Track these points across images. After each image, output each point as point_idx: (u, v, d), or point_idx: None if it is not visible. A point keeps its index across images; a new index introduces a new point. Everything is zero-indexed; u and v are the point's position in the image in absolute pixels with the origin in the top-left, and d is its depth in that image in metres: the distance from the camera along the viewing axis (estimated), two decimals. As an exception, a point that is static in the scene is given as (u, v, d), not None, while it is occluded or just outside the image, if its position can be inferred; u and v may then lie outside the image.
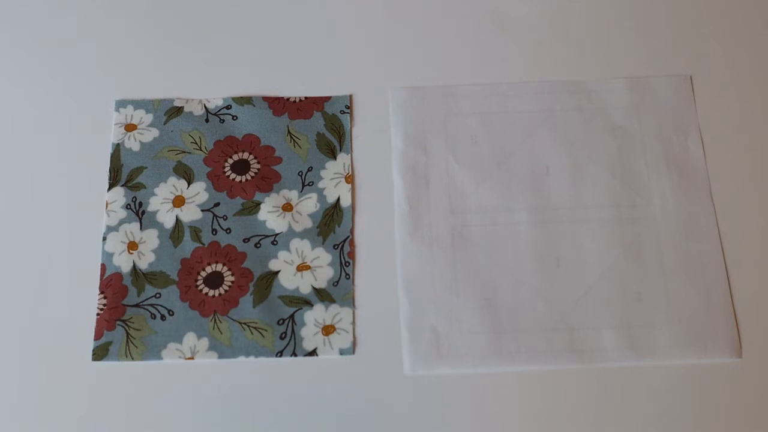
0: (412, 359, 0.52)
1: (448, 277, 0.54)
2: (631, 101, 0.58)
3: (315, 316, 0.53)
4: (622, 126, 0.58)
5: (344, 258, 0.55)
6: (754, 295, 0.53)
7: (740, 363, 0.51)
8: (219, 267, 0.54)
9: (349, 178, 0.57)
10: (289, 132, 0.58)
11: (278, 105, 0.59)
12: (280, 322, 0.53)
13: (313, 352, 0.52)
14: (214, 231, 0.55)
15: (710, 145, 0.57)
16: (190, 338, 0.52)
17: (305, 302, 0.53)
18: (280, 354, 0.52)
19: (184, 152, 0.58)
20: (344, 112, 0.59)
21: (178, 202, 0.56)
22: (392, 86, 0.59)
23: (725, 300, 0.52)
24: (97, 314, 0.53)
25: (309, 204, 0.56)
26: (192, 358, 0.52)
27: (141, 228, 0.55)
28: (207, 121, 0.59)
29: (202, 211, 0.56)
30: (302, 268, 0.54)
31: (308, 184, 0.57)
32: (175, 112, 0.59)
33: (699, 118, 0.58)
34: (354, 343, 0.52)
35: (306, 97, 0.60)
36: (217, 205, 0.56)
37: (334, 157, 0.58)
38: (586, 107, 0.58)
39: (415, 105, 0.59)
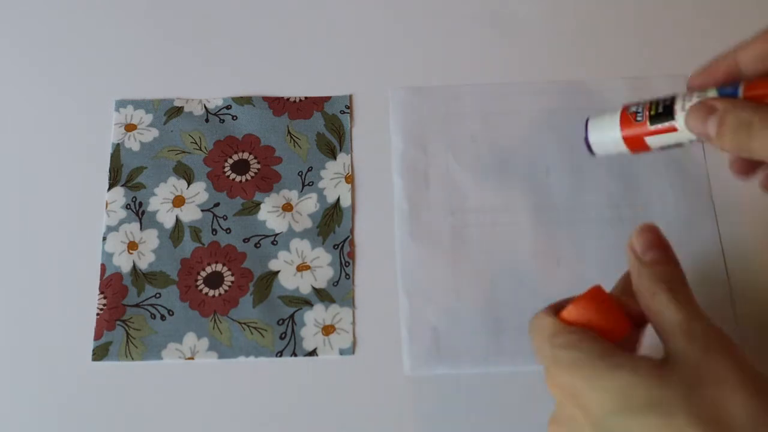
0: (412, 359, 0.52)
1: (448, 277, 0.54)
2: (630, 101, 0.58)
3: (315, 316, 0.53)
4: (622, 126, 0.58)
5: (344, 258, 0.55)
6: (754, 295, 0.53)
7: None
8: (219, 267, 0.54)
9: (349, 178, 0.57)
10: (289, 132, 0.58)
11: (278, 105, 0.59)
12: (280, 322, 0.53)
13: (313, 352, 0.52)
14: (214, 231, 0.55)
15: (711, 146, 0.57)
16: (190, 338, 0.52)
17: (305, 302, 0.53)
18: (280, 354, 0.52)
19: (184, 152, 0.58)
20: (344, 112, 0.59)
21: (178, 202, 0.56)
22: (392, 86, 0.59)
23: (725, 300, 0.52)
24: (97, 314, 0.53)
25: (309, 204, 0.56)
26: (192, 358, 0.52)
27: (141, 228, 0.55)
28: (207, 121, 0.59)
29: (202, 211, 0.56)
30: (302, 268, 0.54)
31: (308, 184, 0.57)
32: (175, 112, 0.59)
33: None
34: (354, 343, 0.52)
35: (306, 97, 0.60)
36: (217, 205, 0.56)
37: (334, 157, 0.58)
38: (586, 107, 0.58)
39: (415, 105, 0.59)
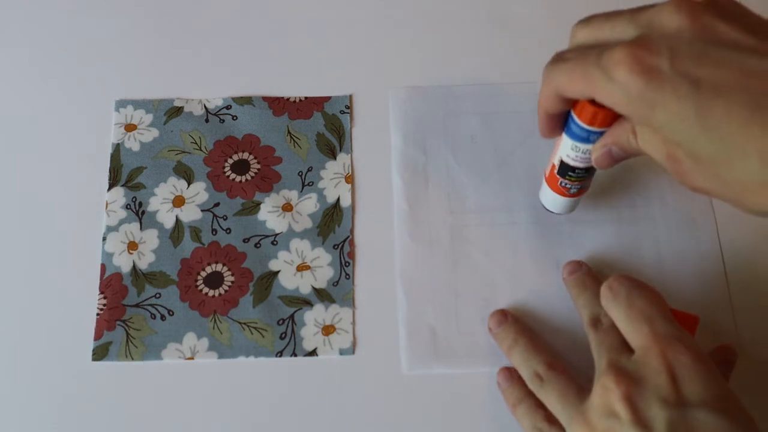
0: (410, 358, 0.52)
1: (447, 277, 0.54)
2: None
3: (315, 316, 0.53)
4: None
5: (344, 258, 0.55)
6: (753, 294, 0.53)
7: (739, 364, 0.51)
8: (219, 267, 0.54)
9: (349, 178, 0.57)
10: (289, 132, 0.58)
11: (278, 105, 0.59)
12: (280, 322, 0.53)
13: (313, 352, 0.52)
14: (214, 231, 0.55)
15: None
16: (190, 338, 0.52)
17: (305, 302, 0.53)
18: (280, 354, 0.52)
19: (184, 152, 0.58)
20: (344, 112, 0.59)
21: (178, 202, 0.56)
22: (392, 86, 0.59)
23: (724, 301, 0.52)
24: (97, 314, 0.53)
25: (309, 204, 0.56)
26: (192, 358, 0.52)
27: (141, 228, 0.55)
28: (207, 121, 0.59)
29: (202, 211, 0.56)
30: (302, 268, 0.54)
31: (308, 184, 0.57)
32: (175, 112, 0.59)
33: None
34: (354, 343, 0.52)
35: (306, 97, 0.60)
36: (217, 205, 0.56)
37: (334, 157, 0.58)
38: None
39: (415, 105, 0.59)
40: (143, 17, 0.63)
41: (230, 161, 0.57)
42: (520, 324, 0.51)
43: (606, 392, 0.40)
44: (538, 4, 0.62)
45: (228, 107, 0.59)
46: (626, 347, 0.42)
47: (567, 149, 0.45)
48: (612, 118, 0.42)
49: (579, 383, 0.45)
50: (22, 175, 0.58)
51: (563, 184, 0.48)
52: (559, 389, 0.45)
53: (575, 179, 0.48)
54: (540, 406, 0.47)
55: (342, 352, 0.52)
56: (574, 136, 0.44)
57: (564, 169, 0.47)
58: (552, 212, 0.52)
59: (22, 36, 0.62)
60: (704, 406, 0.37)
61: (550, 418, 0.46)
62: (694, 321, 0.47)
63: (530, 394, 0.47)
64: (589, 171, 0.47)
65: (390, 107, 0.59)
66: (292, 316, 0.53)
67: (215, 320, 0.53)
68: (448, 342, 0.52)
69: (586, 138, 0.44)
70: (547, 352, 0.48)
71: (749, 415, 0.39)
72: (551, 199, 0.50)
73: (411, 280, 0.54)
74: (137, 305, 0.53)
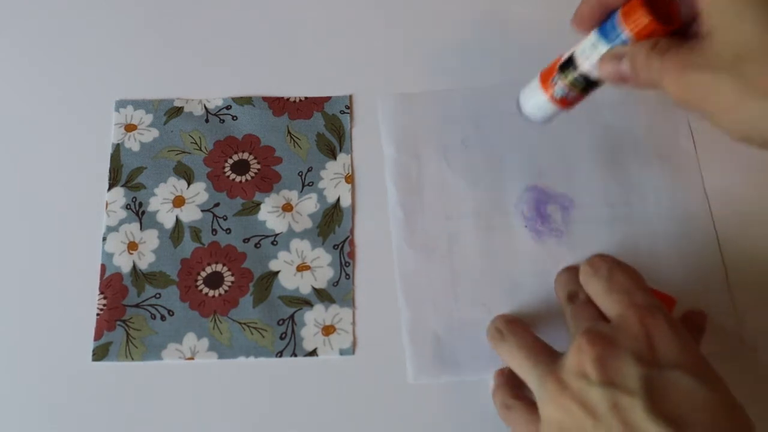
0: (415, 367, 0.51)
1: (446, 283, 0.53)
2: (621, 98, 0.58)
3: (315, 316, 0.53)
4: (613, 124, 0.58)
5: (344, 258, 0.55)
6: (753, 291, 0.53)
7: (740, 358, 0.51)
8: (219, 267, 0.54)
9: (349, 179, 0.57)
10: (289, 132, 0.58)
11: (278, 105, 0.59)
12: (280, 322, 0.53)
13: (313, 353, 0.52)
14: (214, 231, 0.55)
15: (701, 140, 0.57)
16: (190, 338, 0.52)
17: (305, 302, 0.53)
18: (280, 354, 0.52)
19: (184, 152, 0.58)
20: (344, 113, 0.59)
21: (178, 202, 0.56)
22: (393, 85, 0.59)
23: (723, 298, 0.52)
24: (97, 314, 0.53)
25: (309, 204, 0.56)
26: (192, 359, 0.52)
27: (141, 228, 0.55)
28: (207, 121, 0.59)
29: (202, 211, 0.56)
30: (302, 268, 0.54)
31: (308, 185, 0.57)
32: (175, 112, 0.59)
33: (688, 113, 0.58)
34: (354, 344, 0.52)
35: (306, 97, 0.60)
36: (217, 205, 0.56)
37: (334, 158, 0.58)
38: (578, 107, 0.58)
39: (406, 111, 0.58)
40: (143, 17, 0.63)
41: (230, 161, 0.58)
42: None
43: (579, 353, 0.40)
44: (538, 4, 0.62)
45: (228, 107, 0.59)
46: (603, 318, 0.43)
47: (587, 45, 0.45)
48: (652, 33, 0.42)
49: (545, 343, 0.45)
50: (22, 175, 0.58)
51: (554, 80, 0.47)
52: (525, 345, 0.45)
53: (569, 82, 0.47)
54: (511, 385, 0.47)
55: (342, 353, 0.52)
56: (603, 31, 0.43)
57: (568, 63, 0.46)
58: (527, 116, 0.50)
59: (22, 36, 0.62)
60: (678, 368, 0.38)
61: (517, 395, 0.46)
62: (672, 302, 0.47)
63: (508, 383, 0.48)
64: (585, 87, 0.47)
65: (380, 117, 0.59)
66: (292, 317, 0.53)
67: (215, 320, 0.53)
68: (453, 349, 0.52)
69: (614, 38, 0.43)
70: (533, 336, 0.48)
71: (723, 382, 0.39)
72: (529, 97, 0.49)
73: (411, 288, 0.53)
74: (137, 305, 0.53)
